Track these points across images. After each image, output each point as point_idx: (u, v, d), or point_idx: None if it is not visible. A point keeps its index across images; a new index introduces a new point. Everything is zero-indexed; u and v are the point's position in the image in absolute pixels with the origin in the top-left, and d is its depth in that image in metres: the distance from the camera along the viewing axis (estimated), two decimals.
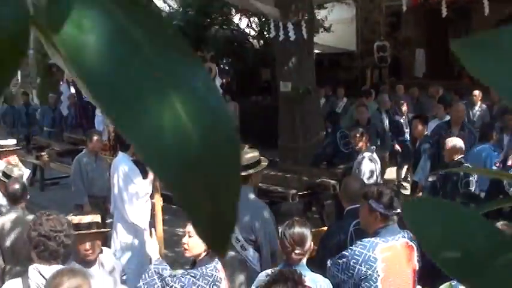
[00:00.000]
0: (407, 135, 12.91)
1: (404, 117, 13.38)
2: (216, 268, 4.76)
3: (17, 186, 6.58)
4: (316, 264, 5.00)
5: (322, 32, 20.24)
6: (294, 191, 9.17)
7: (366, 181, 7.42)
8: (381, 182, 8.94)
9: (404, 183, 12.85)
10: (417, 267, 4.67)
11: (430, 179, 8.59)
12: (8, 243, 6.19)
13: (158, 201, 6.30)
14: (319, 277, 4.43)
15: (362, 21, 21.26)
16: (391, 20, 20.04)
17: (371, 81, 20.34)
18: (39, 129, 18.67)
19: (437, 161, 8.94)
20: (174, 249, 7.97)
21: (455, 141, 8.22)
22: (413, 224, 0.67)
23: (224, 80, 19.33)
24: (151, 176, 7.26)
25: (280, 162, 11.89)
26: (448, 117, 10.47)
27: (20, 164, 9.20)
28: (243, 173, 6.17)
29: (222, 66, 21.27)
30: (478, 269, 0.58)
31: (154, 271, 4.72)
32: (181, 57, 0.53)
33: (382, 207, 4.59)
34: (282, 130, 13.05)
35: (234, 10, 20.78)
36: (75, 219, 4.94)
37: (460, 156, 8.07)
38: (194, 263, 4.86)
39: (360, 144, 8.79)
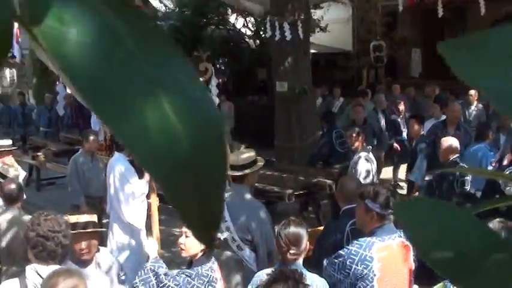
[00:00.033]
0: (405, 135, 12.92)
1: (401, 116, 13.40)
2: (212, 268, 4.76)
3: (12, 186, 6.57)
4: (313, 263, 5.01)
5: (318, 31, 20.24)
6: (290, 191, 9.18)
7: (362, 181, 7.43)
8: (377, 181, 8.94)
9: (400, 183, 12.86)
10: (413, 267, 4.67)
11: (427, 179, 8.60)
12: (4, 243, 6.18)
13: (154, 201, 6.29)
14: (315, 277, 4.43)
15: (358, 21, 21.27)
16: (388, 19, 20.06)
17: (367, 81, 20.35)
18: (35, 130, 18.64)
19: (434, 160, 8.94)
20: (171, 249, 7.96)
21: (450, 141, 8.23)
22: (406, 224, 0.67)
23: (220, 80, 19.31)
24: (147, 176, 7.26)
25: (277, 162, 11.88)
26: (444, 117, 10.48)
27: (16, 165, 9.18)
28: (239, 173, 6.18)
29: (218, 66, 21.25)
30: (470, 270, 0.58)
31: (150, 269, 4.74)
32: (166, 53, 0.53)
33: (378, 207, 4.59)
34: (278, 130, 13.05)
35: (230, 10, 20.78)
36: (72, 218, 4.94)
37: (455, 156, 8.08)
38: (191, 263, 4.87)
39: (356, 144, 8.80)
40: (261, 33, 20.33)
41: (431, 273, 0.75)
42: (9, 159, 9.30)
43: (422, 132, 10.53)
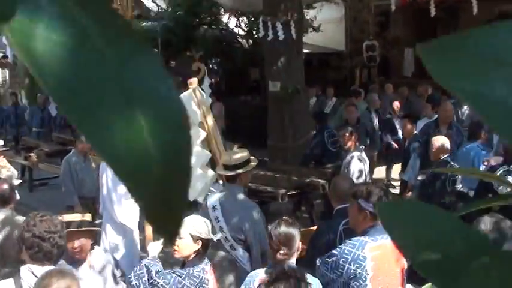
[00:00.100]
0: (400, 134, 12.95)
1: (397, 116, 13.43)
2: (204, 270, 4.77)
3: (5, 187, 6.55)
4: (306, 263, 5.01)
5: (311, 31, 20.24)
6: (283, 191, 9.18)
7: (354, 181, 7.44)
8: (370, 181, 8.95)
9: (394, 183, 12.87)
10: (406, 266, 4.68)
11: (420, 178, 8.62)
12: None
13: None
14: (308, 276, 4.44)
15: (351, 21, 21.29)
16: (380, 19, 20.09)
17: (360, 81, 20.38)
18: (27, 130, 18.61)
19: (427, 160, 8.96)
20: (164, 249, 7.97)
21: (441, 141, 8.26)
22: (387, 225, 0.67)
23: (213, 80, 19.32)
24: None
25: (270, 162, 11.89)
26: (436, 116, 10.50)
27: (8, 165, 9.17)
28: (232, 173, 6.18)
29: (211, 66, 21.25)
30: (454, 272, 0.58)
31: (145, 265, 4.77)
32: (138, 55, 0.53)
33: (371, 207, 4.59)
34: (271, 130, 13.06)
35: (223, 10, 20.77)
36: (66, 217, 4.94)
37: (446, 155, 8.12)
38: (184, 264, 4.87)
39: (349, 143, 8.81)
40: (254, 33, 20.32)
41: None
42: (1, 160, 9.29)
43: (415, 132, 10.56)
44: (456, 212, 0.83)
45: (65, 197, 9.05)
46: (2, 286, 4.44)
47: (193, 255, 4.80)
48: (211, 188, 6.99)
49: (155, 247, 5.22)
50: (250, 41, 21.53)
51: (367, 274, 4.45)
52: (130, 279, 4.78)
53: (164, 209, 0.50)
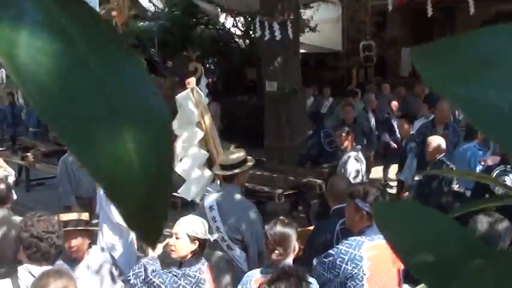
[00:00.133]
0: (398, 134, 12.95)
1: (395, 116, 13.43)
2: (201, 270, 4.77)
3: (2, 186, 6.53)
4: (303, 263, 5.01)
5: (308, 31, 20.25)
6: (280, 191, 9.18)
7: (351, 181, 7.43)
8: (367, 181, 8.95)
9: (391, 183, 12.87)
10: (403, 266, 4.68)
11: (416, 178, 8.62)
12: None
13: None
14: None
15: (348, 21, 21.29)
16: (377, 19, 20.10)
17: (357, 81, 20.39)
18: (24, 130, 18.58)
19: (423, 160, 8.96)
20: (163, 249, 7.96)
21: (436, 140, 8.28)
22: (381, 225, 0.67)
23: (210, 80, 19.31)
24: None
25: (266, 161, 11.89)
26: (433, 116, 10.50)
27: (5, 165, 9.16)
28: (229, 173, 6.18)
29: (207, 65, 21.25)
30: (447, 273, 0.58)
31: (143, 264, 4.78)
32: (120, 59, 0.53)
33: (368, 206, 4.59)
34: (268, 130, 13.05)
35: (219, 10, 20.77)
36: (63, 217, 4.94)
37: (441, 155, 8.13)
38: (181, 264, 4.87)
39: (346, 143, 8.80)
40: (251, 33, 20.32)
41: None
42: None
43: (411, 132, 10.56)
44: (452, 212, 0.84)
45: (62, 197, 9.04)
46: (0, 286, 4.44)
47: (190, 255, 4.80)
48: (208, 188, 6.98)
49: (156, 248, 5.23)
50: (247, 41, 21.53)
51: (364, 274, 4.45)
52: (129, 278, 4.81)
53: (146, 220, 0.51)
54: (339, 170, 8.66)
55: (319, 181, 9.36)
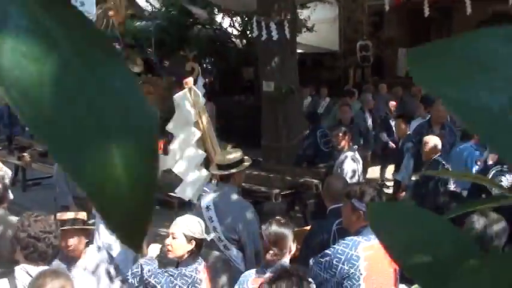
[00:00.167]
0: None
1: (393, 116, 13.43)
2: (197, 270, 4.78)
3: None
4: (299, 263, 5.01)
5: (305, 31, 20.26)
6: (277, 191, 9.18)
7: (348, 181, 7.43)
8: (363, 181, 8.95)
9: (387, 183, 12.88)
10: None
11: (413, 178, 8.62)
12: None
13: None
14: None
15: (345, 21, 21.31)
16: (374, 19, 20.11)
17: (354, 81, 20.40)
18: (21, 130, 18.53)
19: (420, 160, 8.97)
20: (161, 250, 7.97)
21: (432, 140, 8.29)
22: (377, 226, 0.67)
23: (207, 80, 19.31)
24: None
25: (263, 161, 11.88)
26: (429, 116, 10.51)
27: (1, 165, 9.14)
28: (225, 173, 6.19)
29: (204, 65, 21.24)
30: (442, 275, 0.58)
31: (140, 264, 4.79)
32: (105, 61, 0.52)
33: (364, 206, 4.59)
34: (265, 130, 13.04)
35: (216, 9, 20.77)
36: (60, 215, 4.93)
37: (437, 155, 8.15)
38: (177, 264, 4.87)
39: (343, 143, 8.80)
40: (248, 32, 20.33)
41: None
42: None
43: (408, 132, 10.57)
44: (448, 213, 0.84)
45: (59, 197, 9.03)
46: None
47: (186, 255, 4.80)
48: (205, 188, 6.98)
49: (155, 249, 5.24)
50: (244, 40, 21.54)
51: (361, 274, 4.45)
52: (128, 278, 4.82)
53: (130, 229, 0.52)
54: (335, 170, 8.66)
55: (316, 181, 9.37)
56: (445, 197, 7.78)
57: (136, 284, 4.75)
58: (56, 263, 4.69)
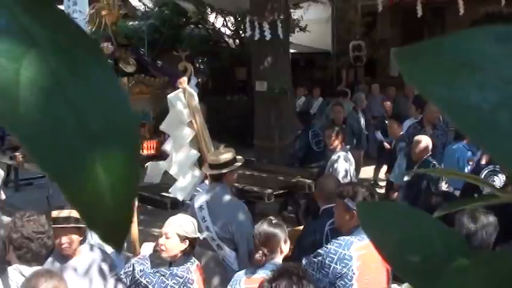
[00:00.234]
0: None
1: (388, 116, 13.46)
2: (189, 270, 4.77)
3: None
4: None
5: (298, 31, 20.27)
6: (269, 191, 9.16)
7: (340, 181, 7.44)
8: (355, 181, 8.96)
9: (380, 183, 12.90)
10: None
11: (406, 178, 8.63)
12: None
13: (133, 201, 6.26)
14: None
15: (338, 21, 21.33)
16: (367, 19, 20.13)
17: (347, 81, 20.42)
18: None
19: (413, 160, 9.00)
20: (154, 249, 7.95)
21: (422, 140, 8.31)
22: (368, 225, 0.67)
23: (200, 80, 19.30)
24: None
25: (256, 161, 11.87)
26: (421, 117, 10.53)
27: None
28: (218, 172, 6.19)
29: (197, 65, 21.23)
30: (433, 274, 0.58)
31: (132, 263, 4.78)
32: (89, 64, 0.52)
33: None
34: (257, 130, 13.03)
35: (209, 9, 20.76)
36: (54, 213, 4.92)
37: (427, 155, 8.17)
38: (170, 264, 4.86)
39: (336, 143, 8.80)
40: (241, 32, 20.33)
41: None
42: None
43: (401, 132, 10.58)
44: (439, 211, 0.84)
45: (53, 197, 9.01)
46: None
47: (180, 255, 4.80)
48: (198, 188, 6.98)
49: (147, 247, 5.23)
50: (237, 40, 21.54)
51: (353, 274, 4.46)
52: (121, 276, 4.81)
53: (111, 233, 0.52)
54: (327, 170, 8.66)
55: (308, 181, 9.36)
56: (438, 197, 7.79)
57: (129, 283, 4.74)
58: (50, 261, 4.68)
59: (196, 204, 6.07)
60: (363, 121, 13.35)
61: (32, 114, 0.48)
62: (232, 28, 21.63)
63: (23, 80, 0.48)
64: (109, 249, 7.27)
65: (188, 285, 4.71)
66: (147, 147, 9.12)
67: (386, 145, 12.62)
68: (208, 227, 5.91)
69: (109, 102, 0.51)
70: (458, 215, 4.78)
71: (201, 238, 5.31)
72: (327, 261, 4.46)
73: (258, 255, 4.58)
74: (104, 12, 8.56)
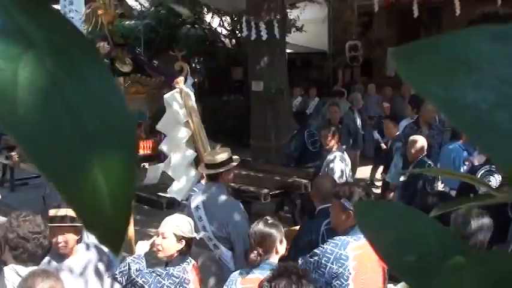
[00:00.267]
0: None
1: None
2: (185, 270, 4.76)
3: None
4: None
5: (294, 31, 20.26)
6: (266, 191, 9.16)
7: (336, 181, 7.44)
8: (351, 181, 8.96)
9: (376, 183, 12.90)
10: None
11: (402, 178, 8.64)
12: None
13: None
14: None
15: (334, 21, 21.32)
16: (363, 19, 20.12)
17: (343, 81, 20.41)
18: None
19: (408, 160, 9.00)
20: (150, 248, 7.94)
21: (417, 140, 8.32)
22: (364, 224, 0.67)
23: (196, 80, 19.28)
24: None
25: (252, 161, 11.87)
26: (417, 116, 10.54)
27: None
28: (214, 172, 6.19)
29: (193, 65, 21.22)
30: (428, 273, 0.58)
31: (128, 262, 4.77)
32: (86, 65, 0.52)
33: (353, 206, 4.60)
34: (254, 130, 13.02)
35: (205, 9, 20.75)
36: (51, 212, 4.91)
37: (423, 155, 8.18)
38: (166, 264, 4.86)
39: (332, 143, 8.80)
40: (237, 32, 20.32)
41: None
42: None
43: (398, 132, 10.58)
44: (434, 210, 0.84)
45: (49, 196, 8.99)
46: None
47: (176, 255, 4.79)
48: (194, 188, 6.98)
49: (142, 247, 5.21)
50: (234, 40, 21.53)
51: (350, 273, 4.46)
52: (116, 276, 4.80)
53: (109, 236, 0.52)
54: (323, 170, 8.66)
55: (305, 181, 9.36)
56: (433, 197, 7.80)
57: (124, 283, 4.73)
58: (47, 260, 4.67)
59: (193, 204, 6.06)
60: (359, 121, 13.35)
61: (30, 115, 0.48)
62: (228, 28, 21.62)
63: (21, 80, 0.48)
64: (105, 248, 7.29)
65: (184, 285, 4.71)
66: (144, 147, 9.11)
67: (383, 145, 12.63)
68: (204, 226, 5.91)
69: (105, 102, 0.51)
70: (453, 215, 4.79)
71: (197, 238, 5.30)
72: (323, 261, 4.46)
73: (253, 255, 4.57)
74: (100, 12, 8.55)
